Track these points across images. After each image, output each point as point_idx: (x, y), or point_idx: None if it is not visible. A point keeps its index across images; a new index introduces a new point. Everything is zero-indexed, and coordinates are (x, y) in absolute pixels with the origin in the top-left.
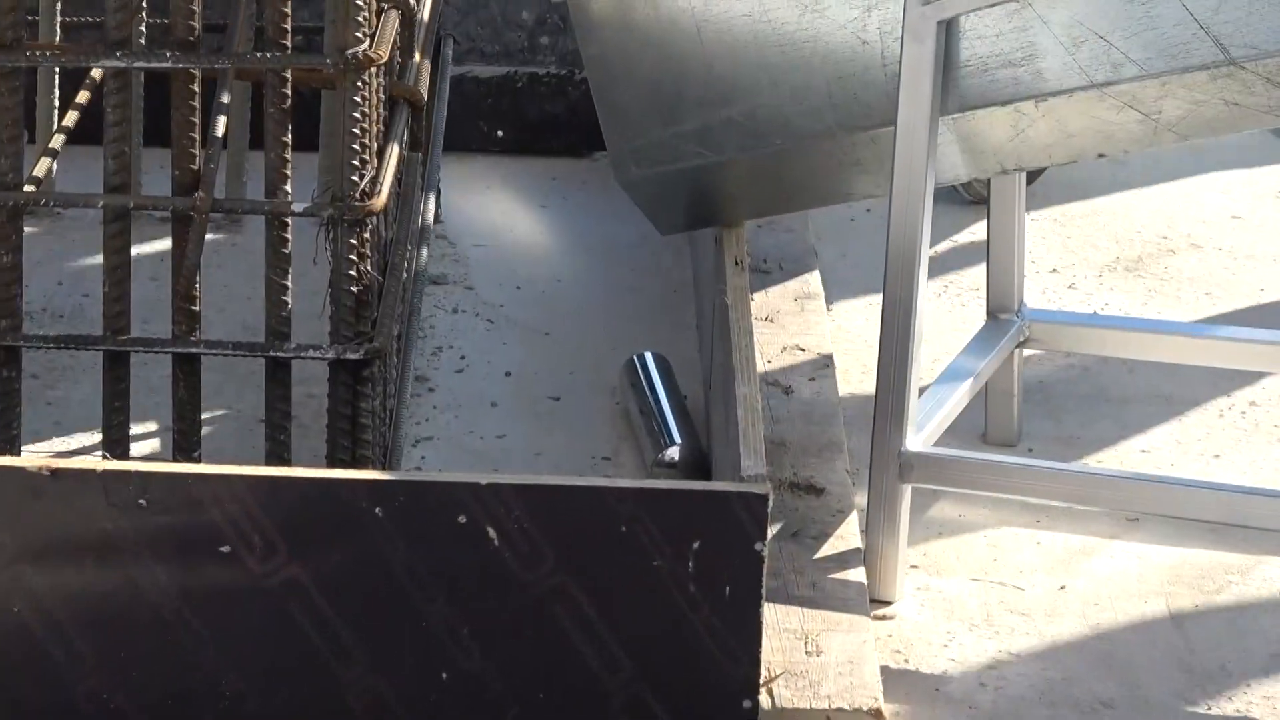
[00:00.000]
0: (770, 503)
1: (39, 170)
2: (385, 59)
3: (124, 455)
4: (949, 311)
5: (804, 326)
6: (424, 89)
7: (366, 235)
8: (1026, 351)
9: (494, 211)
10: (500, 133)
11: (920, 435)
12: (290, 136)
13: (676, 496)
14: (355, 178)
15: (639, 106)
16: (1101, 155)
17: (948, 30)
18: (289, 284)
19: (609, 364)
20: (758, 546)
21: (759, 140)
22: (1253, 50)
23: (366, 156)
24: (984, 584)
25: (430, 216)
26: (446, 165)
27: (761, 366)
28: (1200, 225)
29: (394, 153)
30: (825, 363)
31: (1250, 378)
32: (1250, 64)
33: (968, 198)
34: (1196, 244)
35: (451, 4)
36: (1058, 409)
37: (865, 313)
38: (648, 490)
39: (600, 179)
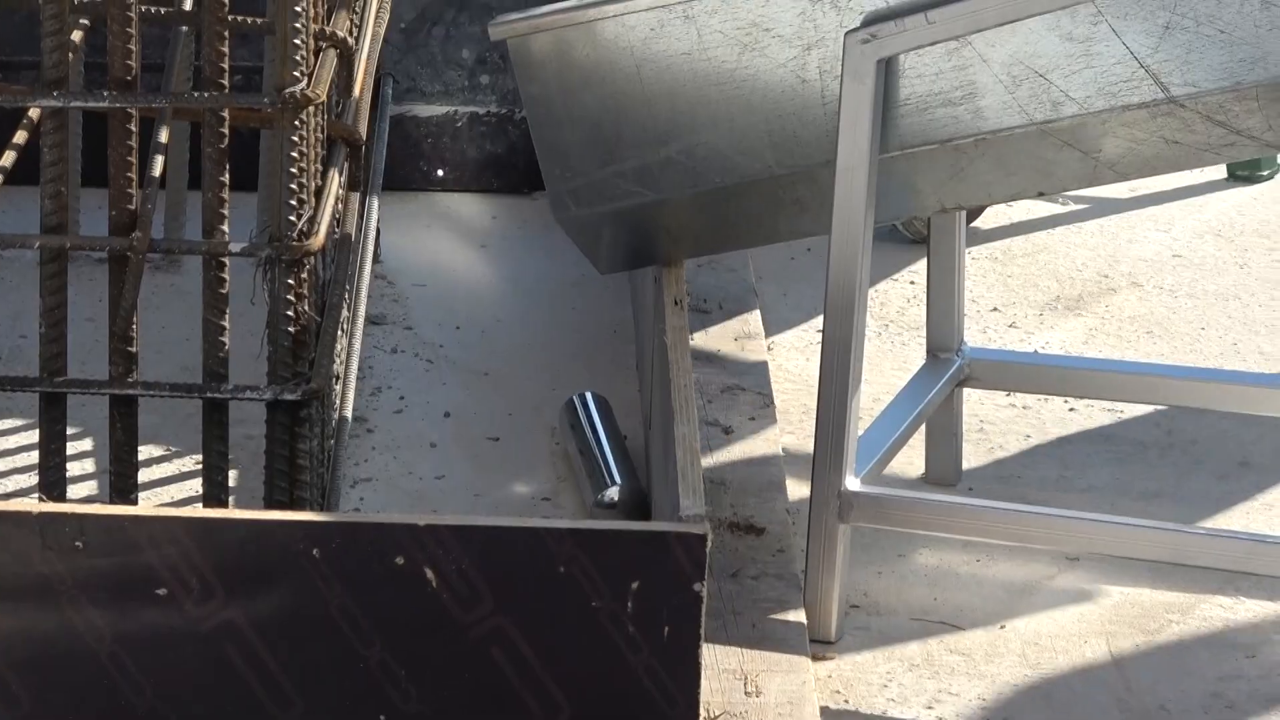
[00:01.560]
0: (709, 543)
1: None
2: (323, 98)
3: (60, 497)
4: (889, 350)
5: (744, 366)
6: (363, 128)
7: (304, 276)
8: (967, 390)
9: (434, 251)
10: (440, 171)
11: (860, 475)
12: (228, 176)
13: (615, 537)
14: (293, 218)
15: (578, 146)
16: (1041, 193)
17: (887, 69)
18: (226, 325)
19: (549, 404)
20: (696, 587)
21: (698, 179)
22: (1192, 88)
23: (304, 196)
24: (924, 624)
25: (370, 256)
26: (387, 204)
27: (701, 406)
28: (1141, 263)
29: (332, 192)
30: (765, 402)
31: (1191, 416)
32: (1190, 101)
33: (908, 236)
34: (1137, 282)
35: (392, 43)
36: (998, 448)
37: (806, 352)
38: (586, 531)
39: (540, 218)
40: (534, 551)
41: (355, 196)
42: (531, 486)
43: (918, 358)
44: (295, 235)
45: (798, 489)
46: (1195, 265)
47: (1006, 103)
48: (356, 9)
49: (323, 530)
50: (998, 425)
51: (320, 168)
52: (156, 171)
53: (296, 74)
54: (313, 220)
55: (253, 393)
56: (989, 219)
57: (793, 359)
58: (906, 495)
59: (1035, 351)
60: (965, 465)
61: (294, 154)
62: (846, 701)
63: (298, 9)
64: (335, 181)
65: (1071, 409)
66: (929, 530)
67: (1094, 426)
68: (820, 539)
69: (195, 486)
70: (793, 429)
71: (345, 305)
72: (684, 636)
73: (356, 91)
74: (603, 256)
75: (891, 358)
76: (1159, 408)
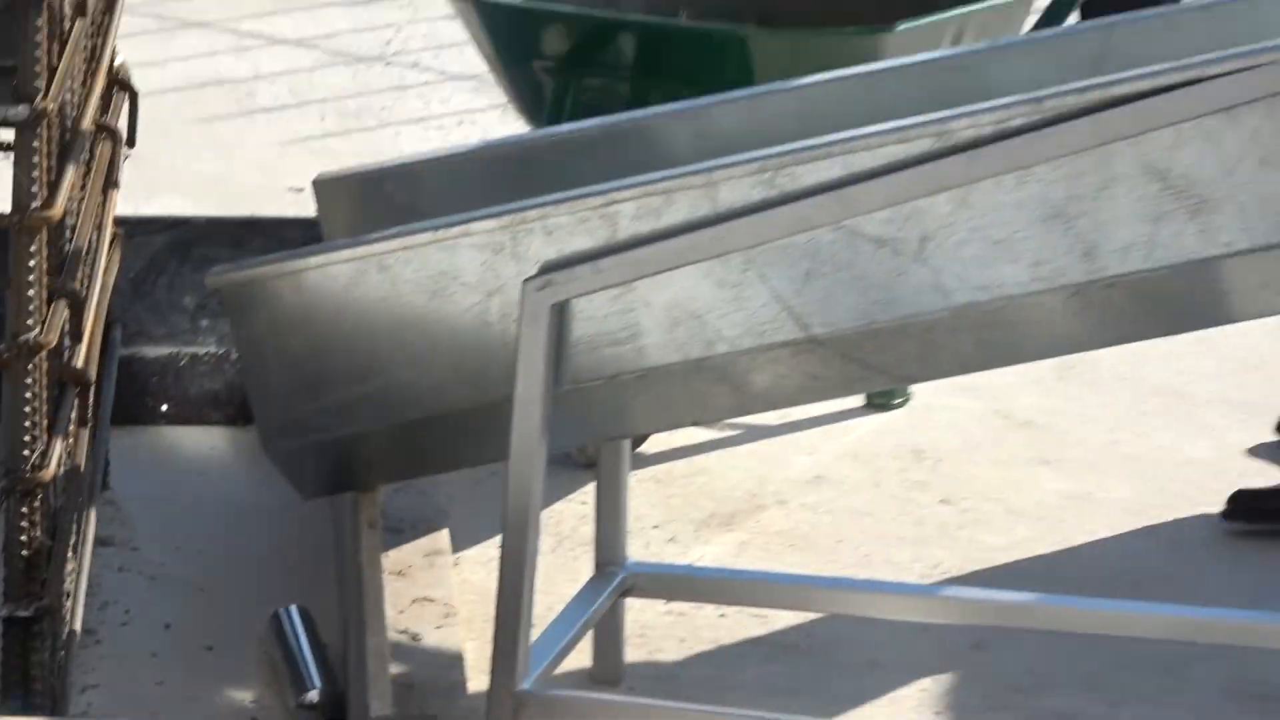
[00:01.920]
0: None
1: None
2: (53, 344)
3: None
4: (562, 564)
5: (433, 580)
6: (92, 370)
7: (36, 504)
8: (629, 599)
9: (157, 478)
10: (165, 406)
11: (533, 676)
12: None
13: None
14: (26, 452)
15: (284, 384)
16: (697, 422)
17: (561, 312)
18: None
19: (258, 616)
20: None
21: (394, 413)
22: (830, 328)
23: (37, 433)
24: None
25: (99, 484)
26: (116, 437)
27: (392, 616)
28: (787, 483)
29: (63, 428)
30: (450, 612)
31: (829, 620)
32: (828, 340)
33: (581, 461)
34: (783, 500)
35: (121, 290)
36: (657, 650)
37: (489, 567)
38: None
39: (252, 448)
40: None
41: (86, 431)
42: (242, 692)
43: (587, 570)
44: (28, 468)
45: (479, 688)
46: (835, 485)
47: (666, 342)
48: (88, 262)
49: None
50: (658, 630)
51: (51, 406)
52: None
53: (29, 323)
54: (44, 454)
55: None
56: (653, 444)
57: (477, 573)
58: (574, 695)
59: (691, 564)
60: (628, 666)
61: (27, 395)
62: None
63: (30, 264)
64: (66, 418)
65: (723, 615)
66: None
67: (743, 631)
68: None
69: None
70: (475, 635)
71: (75, 529)
72: None
73: (85, 337)
74: (306, 484)
75: (564, 571)
76: (801, 614)
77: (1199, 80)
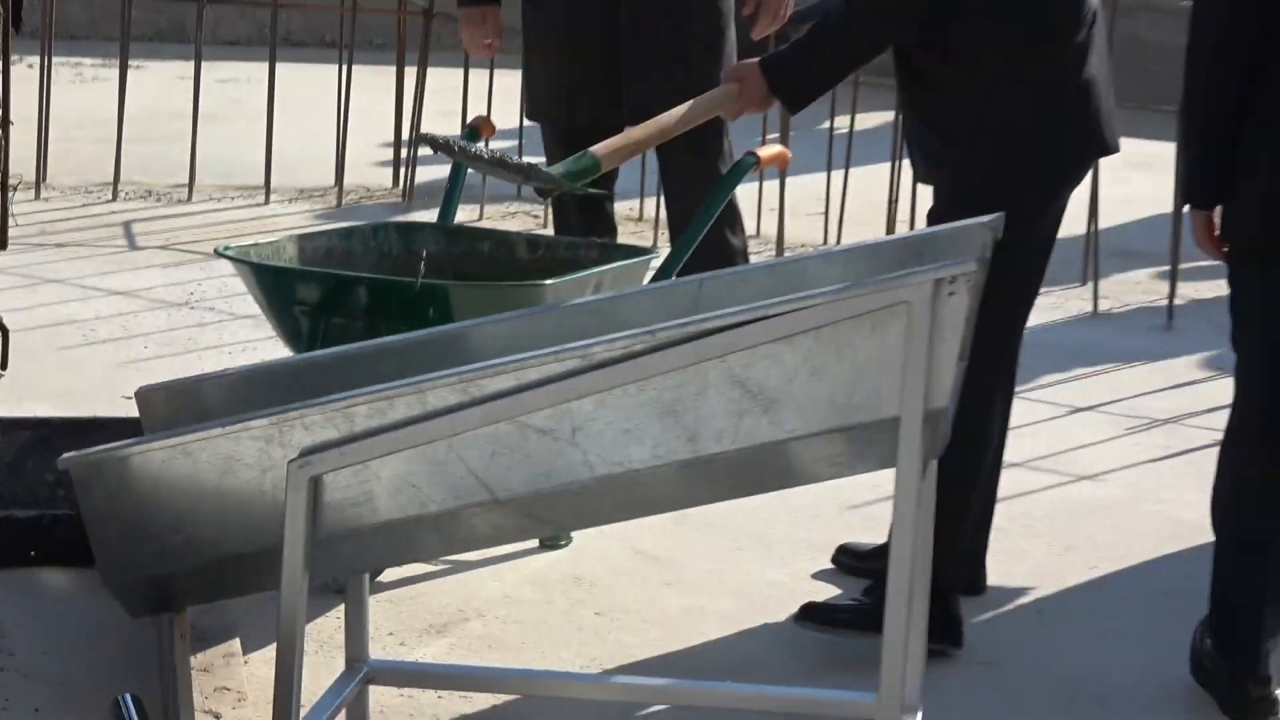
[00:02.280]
0: None
1: None
2: None
3: None
4: (323, 662)
5: (229, 675)
6: None
7: None
8: (372, 686)
9: (29, 605)
10: (33, 553)
11: None
12: None
13: None
14: None
15: (118, 536)
16: (417, 559)
17: (315, 484)
18: None
19: (105, 700)
20: None
21: (197, 557)
22: (509, 493)
23: None
24: None
25: None
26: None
27: (199, 700)
28: (484, 602)
29: None
30: (243, 697)
31: (519, 700)
32: (509, 501)
33: (334, 587)
34: (481, 614)
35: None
36: None
37: (270, 664)
38: None
39: (96, 582)
40: None
41: None
42: None
43: (340, 665)
44: None
45: None
46: (519, 603)
47: (392, 504)
48: None
49: None
50: (393, 708)
51: None
52: None
53: None
54: None
55: None
56: (387, 574)
57: (261, 669)
58: None
59: (416, 661)
60: None
61: None
62: None
63: None
64: None
65: (440, 697)
66: None
67: (456, 709)
68: None
69: None
70: (260, 714)
71: None
72: None
73: None
74: (136, 607)
75: (325, 666)
76: (498, 695)
77: (765, 318)
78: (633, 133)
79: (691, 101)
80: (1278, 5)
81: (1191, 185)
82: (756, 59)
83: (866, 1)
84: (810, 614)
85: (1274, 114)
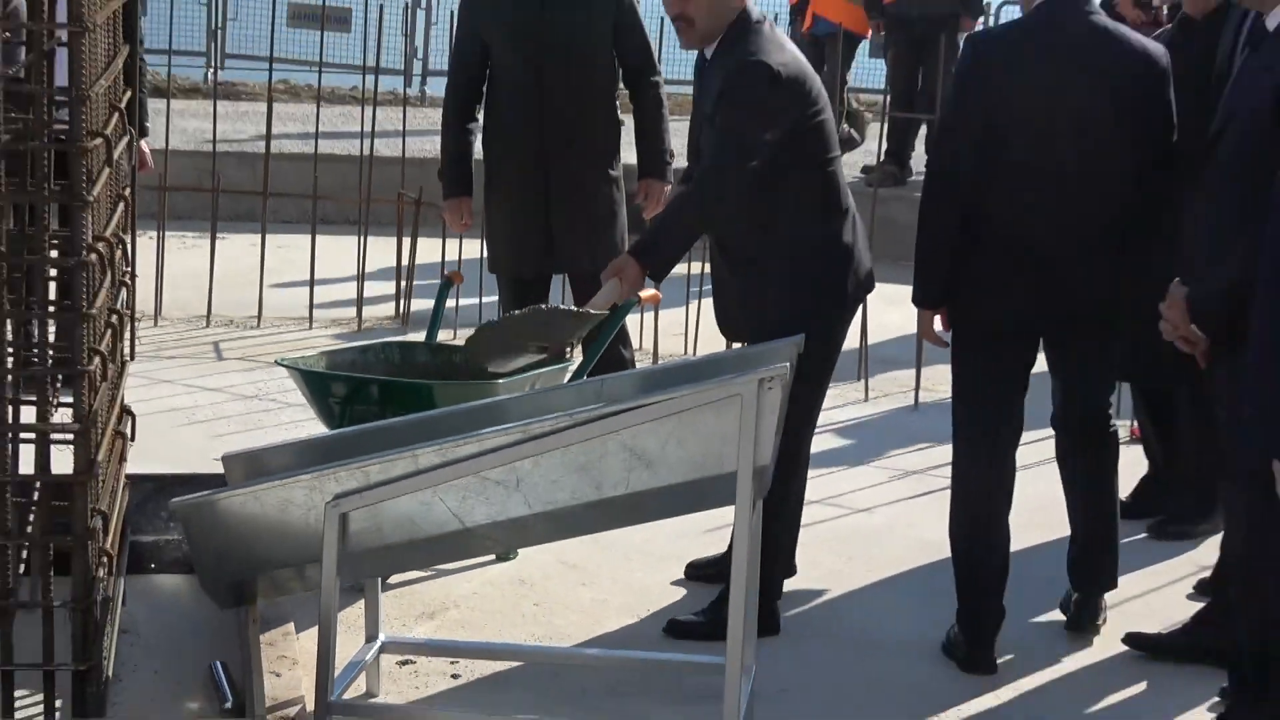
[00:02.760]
0: None
1: None
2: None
3: None
4: (350, 639)
5: (286, 648)
6: (115, 548)
7: (95, 604)
8: (384, 655)
9: (149, 600)
10: (153, 565)
11: (335, 694)
12: None
13: None
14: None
15: (210, 556)
16: (413, 568)
17: (343, 519)
18: None
19: (204, 665)
20: None
21: (265, 566)
22: (475, 523)
23: (101, 573)
24: None
25: (119, 602)
26: (128, 580)
27: (266, 664)
28: (460, 596)
29: (106, 576)
30: (296, 662)
31: (490, 663)
32: (474, 529)
33: (355, 587)
34: (458, 605)
35: (130, 510)
36: (399, 683)
37: (314, 640)
38: None
39: (196, 586)
40: None
41: (114, 578)
42: (193, 704)
43: (361, 640)
44: (99, 589)
45: (309, 702)
46: (483, 597)
47: (394, 531)
48: (111, 499)
49: None
50: (399, 673)
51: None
52: None
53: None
54: (103, 584)
55: None
56: (395, 578)
57: (308, 644)
58: (356, 703)
59: (413, 636)
60: (383, 691)
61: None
62: None
63: (88, 509)
64: (109, 571)
65: (430, 661)
66: None
67: (439, 673)
68: None
69: None
70: (308, 675)
71: (111, 621)
72: None
73: (112, 533)
74: (223, 601)
75: (351, 642)
76: (474, 661)
77: (645, 405)
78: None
79: (598, 295)
80: (981, 171)
81: (919, 292)
82: (627, 252)
83: (706, 195)
84: (675, 629)
85: (989, 245)
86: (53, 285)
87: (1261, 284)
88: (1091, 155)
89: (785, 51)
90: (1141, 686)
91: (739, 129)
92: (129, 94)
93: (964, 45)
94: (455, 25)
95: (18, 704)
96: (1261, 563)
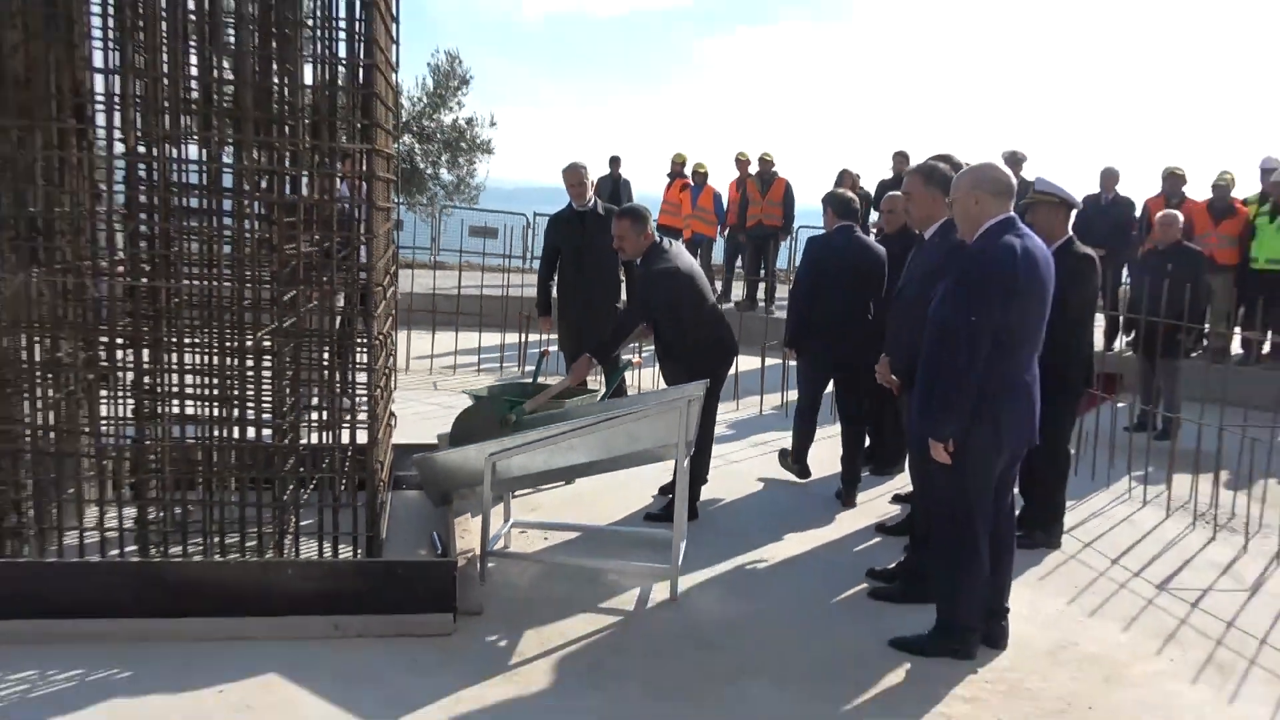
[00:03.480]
0: None
1: None
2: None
3: None
4: (497, 520)
5: (464, 526)
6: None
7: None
8: (514, 529)
9: (402, 501)
10: (404, 486)
11: (490, 549)
12: None
13: None
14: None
15: (431, 479)
16: (531, 486)
17: (494, 463)
18: None
19: (426, 533)
20: None
21: (456, 483)
22: (555, 467)
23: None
24: None
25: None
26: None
27: (456, 533)
28: (549, 500)
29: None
30: (466, 533)
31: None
32: (554, 469)
33: (503, 495)
34: (545, 505)
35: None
36: (525, 546)
37: (477, 524)
38: None
39: (423, 497)
40: None
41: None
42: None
43: (503, 521)
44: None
45: (476, 554)
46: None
47: (518, 470)
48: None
49: None
50: (526, 538)
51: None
52: None
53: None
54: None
55: None
56: (520, 493)
57: (474, 526)
58: (504, 554)
59: (527, 518)
60: (511, 548)
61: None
62: None
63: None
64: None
65: (545, 537)
66: None
67: (550, 542)
68: None
69: None
70: (475, 543)
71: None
72: None
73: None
74: (436, 500)
75: (497, 521)
76: (563, 534)
77: (635, 411)
78: (568, 379)
79: (570, 374)
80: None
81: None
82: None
83: (637, 311)
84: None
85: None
86: (361, 355)
87: (922, 358)
88: (856, 294)
89: (681, 259)
90: None
91: (643, 303)
92: (394, 265)
93: (807, 243)
94: (545, 236)
95: (341, 550)
96: (920, 482)
